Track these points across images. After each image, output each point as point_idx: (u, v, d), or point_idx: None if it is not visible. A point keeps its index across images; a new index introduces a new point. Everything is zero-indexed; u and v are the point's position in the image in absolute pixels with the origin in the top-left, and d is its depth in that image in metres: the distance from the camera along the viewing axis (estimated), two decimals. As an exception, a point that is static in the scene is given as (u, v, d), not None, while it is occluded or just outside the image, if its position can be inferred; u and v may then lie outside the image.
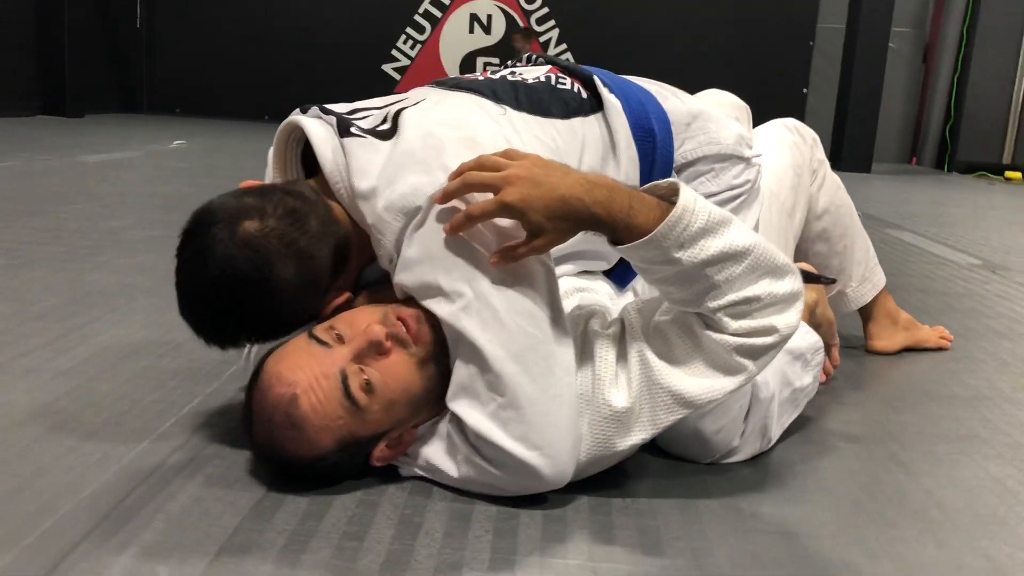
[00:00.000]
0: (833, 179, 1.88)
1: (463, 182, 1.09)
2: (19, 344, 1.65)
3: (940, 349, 2.02)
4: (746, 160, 1.48)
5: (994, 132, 8.27)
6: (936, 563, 1.07)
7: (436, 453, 1.16)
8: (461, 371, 1.12)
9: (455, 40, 9.22)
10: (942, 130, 8.55)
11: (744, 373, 1.12)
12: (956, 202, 5.60)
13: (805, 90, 9.00)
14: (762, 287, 1.09)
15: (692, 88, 2.03)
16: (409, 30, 9.22)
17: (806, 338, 1.43)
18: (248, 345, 1.34)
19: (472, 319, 1.10)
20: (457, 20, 9.22)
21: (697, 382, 1.11)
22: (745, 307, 1.09)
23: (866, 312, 1.97)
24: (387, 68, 9.29)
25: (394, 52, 9.30)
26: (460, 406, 1.11)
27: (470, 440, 1.12)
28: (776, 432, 1.37)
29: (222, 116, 8.88)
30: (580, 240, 1.16)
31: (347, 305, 1.23)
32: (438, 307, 1.12)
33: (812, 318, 1.63)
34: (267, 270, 1.11)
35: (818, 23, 9.00)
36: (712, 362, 1.12)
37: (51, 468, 1.16)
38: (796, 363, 1.40)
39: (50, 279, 2.15)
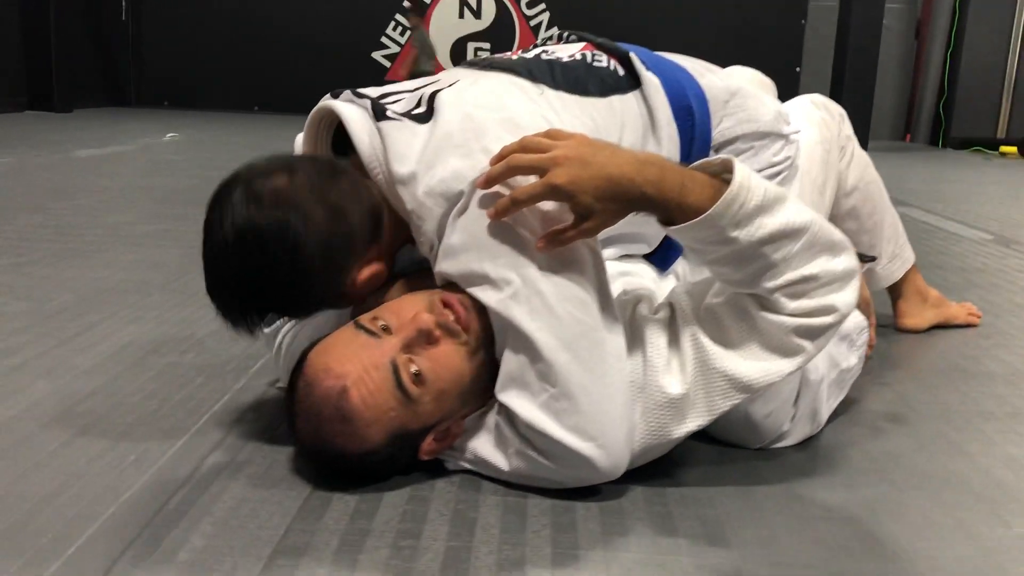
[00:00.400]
0: (862, 155, 1.84)
1: (508, 165, 1.05)
2: (38, 343, 1.60)
3: (969, 326, 1.99)
4: (785, 137, 1.44)
5: (988, 107, 8.24)
6: (1011, 545, 1.03)
7: (484, 446, 1.12)
8: (511, 361, 1.08)
9: (445, 25, 9.13)
10: (936, 106, 8.52)
11: (802, 354, 1.08)
12: (955, 178, 5.58)
13: (798, 69, 8.96)
14: (819, 265, 1.06)
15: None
16: (398, 16, 9.12)
17: (851, 318, 1.40)
18: (268, 329, 1.30)
19: (521, 307, 1.06)
20: (446, 6, 9.13)
21: (754, 365, 1.08)
22: (803, 286, 1.05)
23: (896, 290, 1.94)
24: (377, 55, 9.20)
25: (383, 39, 9.21)
26: (510, 397, 1.08)
27: (521, 432, 1.08)
28: (825, 415, 1.33)
29: (211, 108, 8.78)
30: (622, 223, 1.12)
31: (380, 281, 1.18)
32: (485, 295, 1.08)
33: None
34: (295, 218, 1.06)
35: (810, 1, 8.95)
36: (769, 344, 1.08)
37: (86, 471, 1.12)
38: (842, 343, 1.37)
39: (60, 276, 2.10)
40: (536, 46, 1.48)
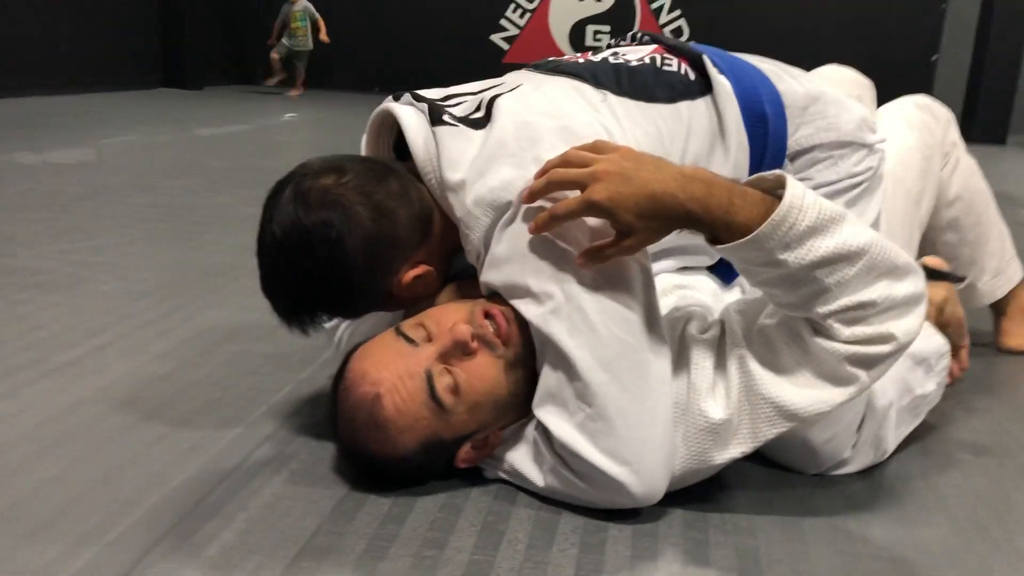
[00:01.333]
0: (968, 163, 1.73)
1: (548, 180, 1.03)
2: (121, 324, 1.68)
3: (1082, 349, 1.84)
4: (868, 146, 1.36)
5: None
6: (1074, 605, 0.96)
7: (522, 459, 1.11)
8: (549, 377, 1.06)
9: (565, 8, 9.07)
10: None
11: (856, 384, 1.02)
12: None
13: (935, 57, 8.50)
14: (878, 290, 0.99)
15: (813, 59, 1.90)
16: (518, -1, 9.11)
17: (930, 341, 1.32)
18: (329, 324, 1.33)
19: (561, 323, 1.04)
20: (567, -12, 9.06)
21: (803, 393, 1.02)
22: (859, 312, 0.99)
23: (999, 307, 1.82)
24: (495, 38, 9.23)
25: (502, 22, 9.22)
26: (546, 414, 1.06)
27: (556, 450, 1.06)
28: (893, 443, 1.26)
29: (333, 88, 9.01)
30: (679, 236, 1.08)
31: (428, 282, 1.18)
32: (526, 308, 1.06)
33: (940, 317, 1.51)
34: (338, 218, 1.07)
35: (952, -15, 8.46)
36: (821, 371, 1.02)
37: (141, 457, 1.17)
38: (918, 368, 1.29)
39: (157, 257, 2.19)
40: (608, 47, 1.45)
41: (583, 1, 9.10)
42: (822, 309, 0.99)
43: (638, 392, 1.03)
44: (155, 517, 1.02)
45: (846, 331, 1.00)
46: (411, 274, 1.15)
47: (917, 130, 1.66)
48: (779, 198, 0.98)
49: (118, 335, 1.62)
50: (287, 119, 5.95)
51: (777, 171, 1.02)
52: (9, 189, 2.90)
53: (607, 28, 8.92)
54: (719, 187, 0.99)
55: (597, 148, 1.03)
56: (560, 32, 8.98)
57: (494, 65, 1.31)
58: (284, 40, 8.21)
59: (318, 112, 6.63)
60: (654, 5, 8.99)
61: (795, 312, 1.03)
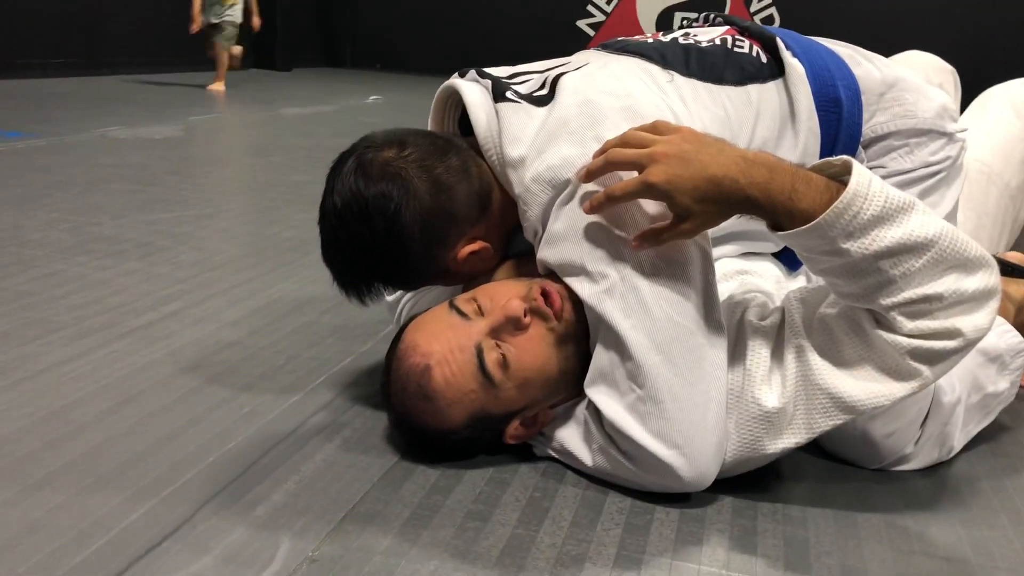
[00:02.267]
0: None
1: (606, 160, 1.02)
2: (196, 293, 1.73)
3: None
4: (948, 135, 1.31)
5: None
6: None
7: (572, 437, 1.11)
8: (601, 357, 1.05)
9: (652, -5, 8.95)
10: None
11: (918, 379, 0.98)
12: None
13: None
14: (946, 284, 0.95)
15: (908, 46, 1.82)
16: (606, -15, 9.04)
17: (1005, 338, 1.26)
18: (390, 297, 1.34)
19: (615, 303, 1.03)
20: (656, -25, 8.95)
21: (862, 385, 0.99)
22: (924, 306, 0.95)
23: None
24: (581, 24, 9.18)
25: (589, 7, 9.16)
26: (597, 394, 1.05)
27: (606, 430, 1.06)
28: (960, 441, 1.22)
29: (420, 71, 9.09)
30: (741, 220, 1.06)
31: (484, 259, 1.19)
32: (580, 287, 1.06)
33: (1020, 316, 1.45)
34: (397, 190, 1.09)
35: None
36: (881, 364, 0.99)
37: (203, 419, 1.21)
38: (991, 366, 1.24)
39: (234, 230, 2.26)
40: (680, 27, 1.43)
41: (672, -12, 8.98)
42: (885, 301, 0.96)
43: (691, 376, 1.02)
44: (211, 475, 1.06)
45: (909, 324, 0.96)
46: (467, 249, 1.15)
47: (1022, 118, 1.59)
48: (845, 184, 0.95)
49: (191, 303, 1.67)
50: (372, 101, 6.03)
51: (844, 156, 0.98)
52: (100, 161, 3.01)
53: (695, 15, 8.78)
54: (782, 172, 0.96)
55: (658, 129, 1.02)
56: (647, 19, 8.87)
57: (580, 50, 1.31)
58: (207, 15, 6.37)
59: (403, 94, 6.71)
60: (746, -10, 8.80)
61: (857, 303, 1.00)
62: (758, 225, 1.17)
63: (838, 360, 1.01)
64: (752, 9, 8.67)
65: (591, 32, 9.12)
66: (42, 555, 0.88)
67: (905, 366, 0.98)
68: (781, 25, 8.36)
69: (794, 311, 1.06)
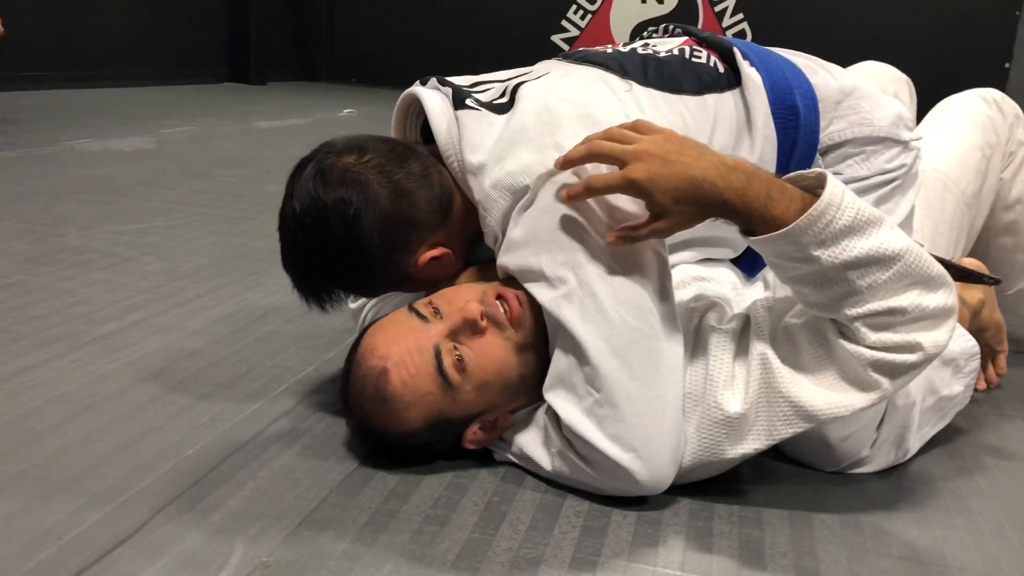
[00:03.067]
0: None
1: (588, 150, 1.03)
2: (160, 302, 1.72)
3: None
4: (903, 143, 1.33)
5: None
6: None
7: (531, 442, 1.11)
8: (559, 361, 1.06)
9: (626, 9, 9.02)
10: None
11: (878, 391, 0.99)
12: None
13: (1008, 64, 8.25)
14: (909, 298, 0.96)
15: (874, 57, 1.84)
16: (580, 0, 9.10)
17: (959, 342, 1.28)
18: (353, 305, 1.35)
19: (573, 308, 1.04)
20: (630, -10, 9.01)
21: (824, 395, 1.00)
22: (888, 319, 0.96)
23: None
24: (556, 39, 9.23)
25: (564, 23, 9.22)
26: (555, 398, 1.06)
27: (564, 434, 1.06)
28: (915, 444, 1.23)
29: (395, 85, 9.09)
30: (704, 225, 1.07)
31: (446, 265, 1.19)
32: (539, 292, 1.07)
33: (977, 321, 1.47)
34: (356, 195, 1.09)
35: (1027, -10, 8.20)
36: (843, 374, 1.00)
37: (162, 427, 1.20)
38: (945, 369, 1.25)
39: (202, 240, 2.24)
40: (640, 38, 1.45)
41: (645, 3, 9.04)
42: (850, 311, 0.97)
43: (648, 380, 1.03)
44: (167, 482, 1.05)
45: (872, 336, 0.97)
46: (428, 255, 1.16)
47: (979, 128, 1.61)
48: (818, 196, 0.96)
49: (155, 312, 1.66)
50: (345, 114, 6.03)
51: (818, 170, 1.00)
52: (68, 173, 2.99)
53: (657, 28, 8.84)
54: (759, 179, 0.97)
55: (640, 128, 1.03)
56: (621, 33, 8.92)
57: (518, 56, 1.32)
58: None
59: (377, 108, 6.70)
60: (717, 8, 8.89)
61: (823, 312, 1.01)
62: (717, 232, 1.19)
63: (801, 369, 1.02)
64: (724, 24, 8.76)
65: (566, 47, 9.16)
66: (-9, 562, 0.87)
67: (866, 377, 0.99)
68: (753, 38, 8.46)
69: (760, 319, 1.07)
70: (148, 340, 1.52)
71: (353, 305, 1.40)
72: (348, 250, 1.11)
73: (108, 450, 1.12)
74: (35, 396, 1.27)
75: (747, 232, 1.00)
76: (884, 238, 0.96)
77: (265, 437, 1.18)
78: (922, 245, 1.40)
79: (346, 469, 1.11)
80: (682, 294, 1.18)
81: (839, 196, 0.95)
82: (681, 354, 1.06)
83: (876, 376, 0.98)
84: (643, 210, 1.03)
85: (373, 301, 1.36)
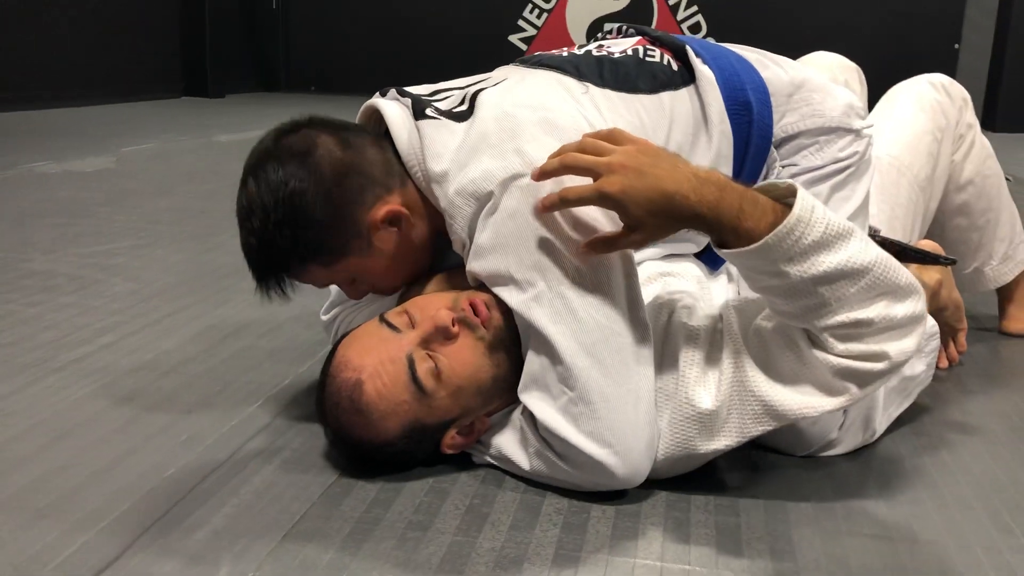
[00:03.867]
0: (982, 146, 1.71)
1: (562, 163, 1.03)
2: (131, 323, 1.72)
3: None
4: (855, 132, 1.36)
5: None
6: (1051, 579, 0.96)
7: (509, 443, 1.13)
8: (533, 362, 1.08)
9: (582, 7, 9.07)
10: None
11: (846, 395, 1.02)
12: None
13: (957, 46, 8.39)
14: (877, 310, 0.98)
15: (826, 47, 1.88)
16: (535, -1, 9.13)
17: (919, 323, 1.32)
18: (336, 312, 1.36)
19: (543, 309, 1.06)
20: (585, -14, 9.06)
21: (793, 396, 1.03)
22: (855, 330, 0.99)
23: (1005, 292, 1.81)
24: (513, 39, 9.25)
25: (520, 22, 9.24)
26: (530, 398, 1.08)
27: (540, 434, 1.08)
28: (882, 424, 1.27)
29: (354, 92, 9.07)
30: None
31: (401, 227, 1.18)
32: (509, 296, 1.08)
33: (936, 301, 1.51)
34: (311, 144, 1.13)
35: (973, -28, 8.35)
36: (812, 379, 1.03)
37: (140, 448, 1.20)
38: (907, 350, 1.29)
39: (169, 259, 2.24)
40: (594, 39, 1.47)
41: (601, -1, 9.10)
42: (819, 323, 1.00)
43: (619, 376, 1.05)
44: (149, 504, 1.06)
45: (840, 346, 1.00)
46: (385, 209, 1.15)
47: (929, 112, 1.65)
48: (789, 207, 0.98)
49: (126, 333, 1.66)
50: (306, 124, 6.01)
51: (789, 180, 1.02)
52: (29, 197, 2.96)
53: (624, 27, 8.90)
54: (731, 192, 0.98)
55: (615, 138, 1.04)
56: (578, 31, 8.97)
57: (475, 64, 1.35)
58: None
59: (337, 115, 6.69)
60: (672, 2, 8.96)
61: (792, 321, 1.03)
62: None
63: (772, 371, 1.04)
64: (679, 17, 8.83)
65: (524, 47, 9.19)
66: (-23, 594, 0.88)
67: (834, 384, 1.02)
68: (707, 29, 8.54)
69: (731, 319, 1.09)
70: (121, 362, 1.52)
71: (325, 317, 1.41)
72: (304, 200, 1.11)
73: (87, 475, 1.12)
74: (10, 424, 1.26)
75: (720, 244, 1.02)
76: (853, 251, 0.97)
77: (244, 454, 1.19)
78: (879, 230, 1.45)
79: (327, 480, 1.12)
80: (649, 290, 1.20)
81: (808, 211, 0.97)
82: (651, 349, 1.08)
83: (843, 382, 1.01)
84: (608, 216, 1.06)
85: (345, 311, 1.37)
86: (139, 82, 7.19)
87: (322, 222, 1.13)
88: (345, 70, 9.41)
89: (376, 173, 1.16)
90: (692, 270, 1.31)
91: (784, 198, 1.00)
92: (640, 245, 1.04)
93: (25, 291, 1.89)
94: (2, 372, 1.45)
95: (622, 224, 1.03)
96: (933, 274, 1.50)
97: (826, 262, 0.96)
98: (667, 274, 1.27)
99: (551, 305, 1.06)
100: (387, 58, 9.29)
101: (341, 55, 9.39)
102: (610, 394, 1.04)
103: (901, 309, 0.99)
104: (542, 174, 1.05)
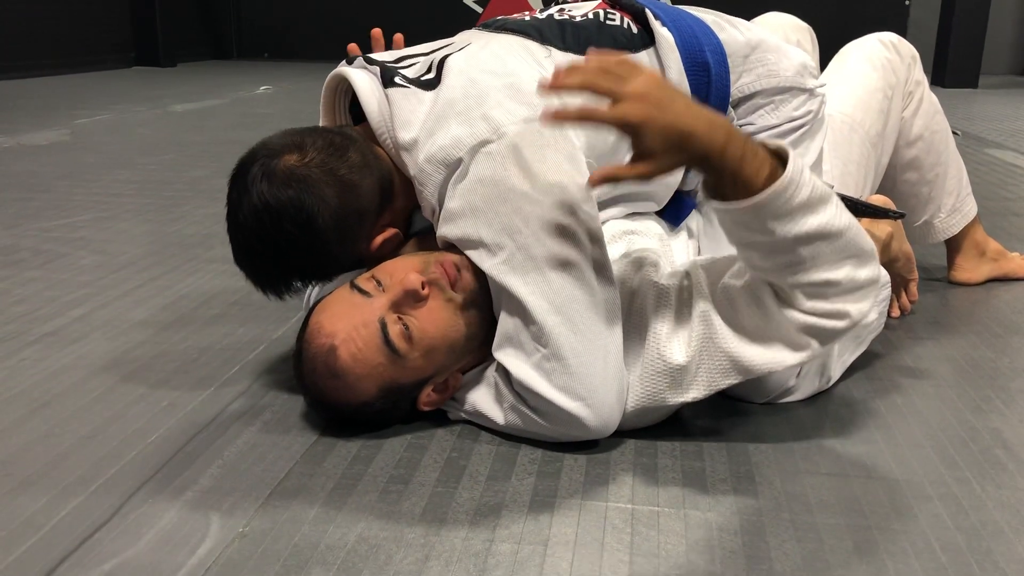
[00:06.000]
0: (931, 102, 1.77)
1: (583, 82, 0.99)
2: (101, 296, 1.73)
3: (1030, 279, 1.91)
4: (808, 91, 1.41)
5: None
6: (994, 504, 1.03)
7: (483, 399, 1.17)
8: (506, 322, 1.12)
9: (537, -31, 9.03)
10: (1060, 37, 7.96)
11: (808, 351, 1.08)
12: (1070, 116, 5.24)
13: (907, 2, 8.50)
14: (844, 272, 1.04)
15: (787, 7, 1.92)
16: (490, -39, 9.06)
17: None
18: (305, 289, 1.38)
19: (515, 272, 1.10)
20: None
21: (759, 351, 1.09)
22: (823, 289, 1.05)
23: (953, 243, 1.88)
24: (468, 1, 9.19)
25: (476, -15, 9.17)
26: (505, 356, 1.12)
27: (515, 389, 1.13)
28: (837, 371, 1.33)
29: (308, 58, 8.97)
30: (629, 184, 1.13)
31: (395, 244, 1.24)
32: (480, 259, 1.12)
33: (887, 253, 1.57)
34: (307, 197, 1.13)
35: (922, -72, 8.43)
36: (777, 335, 1.08)
37: (122, 416, 1.23)
38: (860, 298, 1.35)
39: (134, 231, 2.24)
40: (555, 3, 1.49)
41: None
42: (792, 279, 1.05)
43: (589, 332, 1.09)
44: (136, 467, 1.09)
45: (807, 303, 1.06)
46: (380, 238, 1.22)
47: (880, 70, 1.70)
48: (781, 163, 1.01)
49: (98, 305, 1.67)
50: (263, 91, 5.94)
51: (779, 142, 1.04)
52: (-15, 172, 2.93)
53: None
54: (736, 138, 1.00)
55: (627, 67, 1.01)
56: (533, -7, 8.93)
57: (469, 28, 1.36)
58: None
59: (293, 83, 6.62)
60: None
61: (765, 275, 1.08)
62: (643, 187, 1.26)
63: (739, 328, 1.10)
64: (635, -23, 8.82)
65: (479, 8, 9.12)
66: (-25, 557, 0.91)
67: (798, 339, 1.07)
68: (664, -8, 8.55)
69: (700, 277, 1.14)
70: (94, 334, 1.53)
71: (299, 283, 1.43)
72: (305, 249, 1.16)
73: (72, 442, 1.15)
74: (-11, 397, 1.28)
75: (714, 187, 1.03)
76: (832, 215, 1.02)
77: (225, 417, 1.22)
78: (831, 186, 1.50)
79: (308, 440, 1.16)
80: (615, 248, 1.25)
81: (799, 172, 1.00)
82: (619, 307, 1.13)
83: (806, 338, 1.08)
84: (576, 171, 1.09)
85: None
86: (89, 52, 7.05)
87: (327, 261, 1.20)
88: (298, 37, 9.28)
89: (369, 206, 1.19)
90: (654, 228, 1.35)
91: (774, 154, 1.03)
92: (647, 177, 1.02)
93: (-9, 266, 1.89)
94: (-24, 346, 1.46)
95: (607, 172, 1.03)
96: (884, 227, 1.56)
97: (809, 223, 1.01)
98: (631, 231, 1.31)
99: (522, 267, 1.10)
100: (340, 24, 9.17)
101: (294, 21, 9.26)
102: (581, 350, 1.09)
103: (864, 272, 1.06)
104: (556, 85, 1.01)
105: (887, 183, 1.79)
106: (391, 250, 1.26)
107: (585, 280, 1.10)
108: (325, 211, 1.14)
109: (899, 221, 1.61)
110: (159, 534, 0.95)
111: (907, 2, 8.49)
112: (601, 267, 1.12)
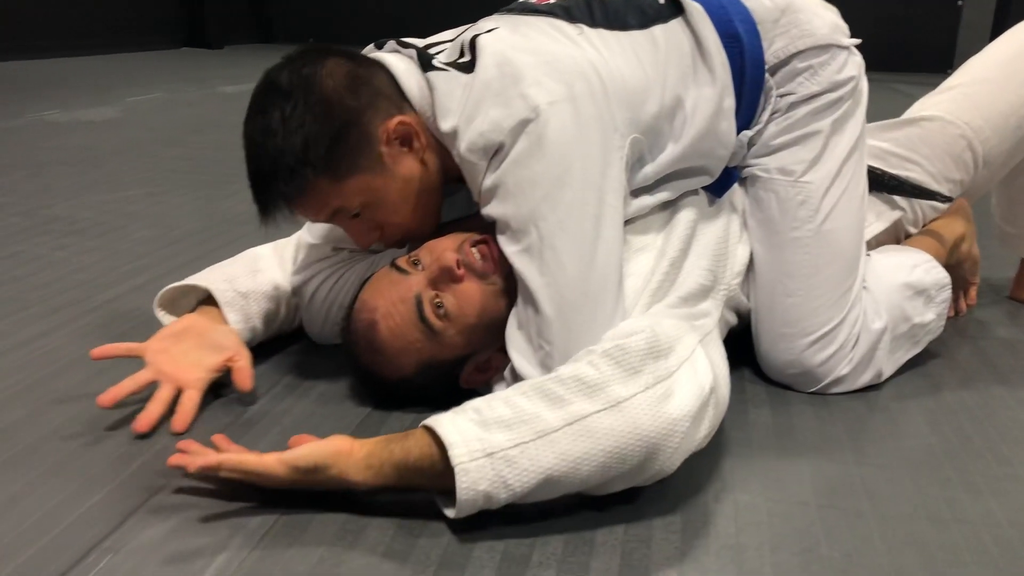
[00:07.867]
0: None
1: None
2: (158, 266, 1.77)
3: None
4: (847, 48, 1.34)
5: None
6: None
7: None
8: (520, 311, 1.11)
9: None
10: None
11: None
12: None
13: (960, 2, 8.36)
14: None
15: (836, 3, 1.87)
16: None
17: (932, 273, 1.37)
18: (307, 275, 1.37)
19: (533, 261, 1.08)
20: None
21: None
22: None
23: None
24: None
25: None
26: (513, 348, 1.11)
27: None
28: (889, 367, 1.33)
29: (352, 42, 9.01)
30: (692, 154, 1.17)
31: (414, 149, 1.19)
32: (504, 243, 1.12)
33: (956, 254, 1.53)
34: (320, 61, 1.14)
35: (978, -73, 8.28)
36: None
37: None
38: (918, 298, 1.34)
39: (188, 206, 2.28)
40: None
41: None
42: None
43: (589, 334, 1.07)
44: (202, 427, 1.12)
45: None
46: (397, 119, 1.16)
47: None
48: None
49: (155, 276, 1.71)
50: (308, 76, 6.00)
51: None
52: (42, 145, 2.99)
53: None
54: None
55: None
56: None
57: (480, 11, 1.35)
58: None
59: (339, 69, 6.69)
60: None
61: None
62: (701, 162, 1.25)
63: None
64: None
65: (525, -1, 9.12)
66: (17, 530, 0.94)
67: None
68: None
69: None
70: (150, 302, 1.56)
71: (296, 278, 1.40)
72: (314, 103, 1.11)
73: (132, 407, 1.18)
74: (52, 361, 1.32)
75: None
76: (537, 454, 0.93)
77: (280, 388, 1.25)
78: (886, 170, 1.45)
79: (362, 412, 1.19)
80: (645, 264, 1.22)
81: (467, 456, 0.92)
82: (623, 307, 1.13)
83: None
84: (604, 167, 1.10)
85: (316, 278, 1.37)
86: (139, 33, 7.15)
87: (334, 124, 1.12)
88: (342, 21, 9.34)
89: (388, 92, 1.18)
90: (688, 215, 1.29)
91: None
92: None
93: (52, 235, 1.94)
94: (39, 312, 1.50)
95: None
96: (956, 227, 1.52)
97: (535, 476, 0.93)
98: (675, 259, 1.24)
99: (541, 257, 1.08)
100: (385, 6, 9.21)
101: (339, 6, 9.31)
102: (577, 352, 1.05)
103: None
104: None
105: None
106: (412, 166, 1.19)
107: (605, 280, 1.10)
108: (337, 70, 1.14)
109: (972, 224, 1.57)
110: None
111: (960, 2, 8.36)
112: (616, 263, 1.12)
